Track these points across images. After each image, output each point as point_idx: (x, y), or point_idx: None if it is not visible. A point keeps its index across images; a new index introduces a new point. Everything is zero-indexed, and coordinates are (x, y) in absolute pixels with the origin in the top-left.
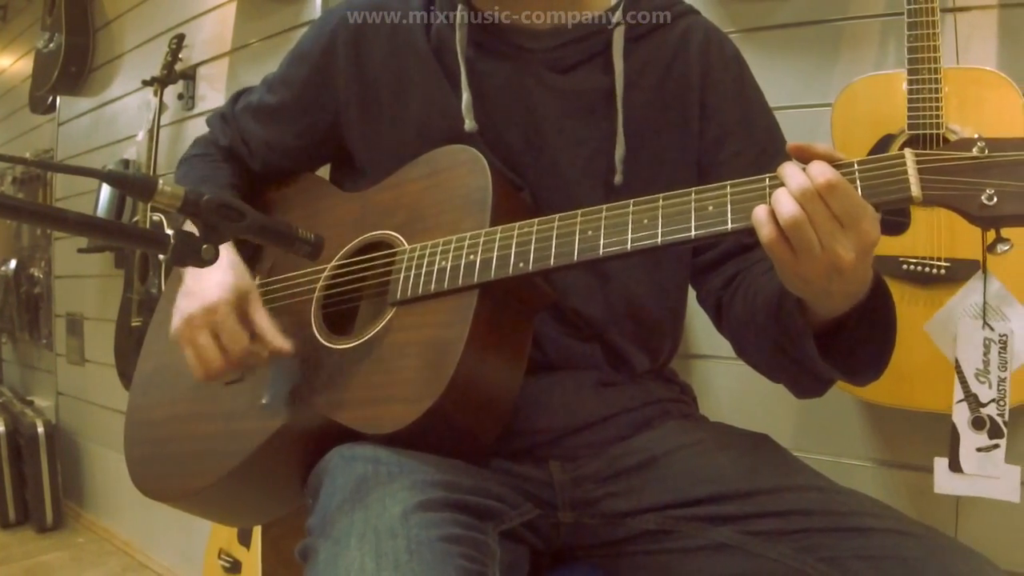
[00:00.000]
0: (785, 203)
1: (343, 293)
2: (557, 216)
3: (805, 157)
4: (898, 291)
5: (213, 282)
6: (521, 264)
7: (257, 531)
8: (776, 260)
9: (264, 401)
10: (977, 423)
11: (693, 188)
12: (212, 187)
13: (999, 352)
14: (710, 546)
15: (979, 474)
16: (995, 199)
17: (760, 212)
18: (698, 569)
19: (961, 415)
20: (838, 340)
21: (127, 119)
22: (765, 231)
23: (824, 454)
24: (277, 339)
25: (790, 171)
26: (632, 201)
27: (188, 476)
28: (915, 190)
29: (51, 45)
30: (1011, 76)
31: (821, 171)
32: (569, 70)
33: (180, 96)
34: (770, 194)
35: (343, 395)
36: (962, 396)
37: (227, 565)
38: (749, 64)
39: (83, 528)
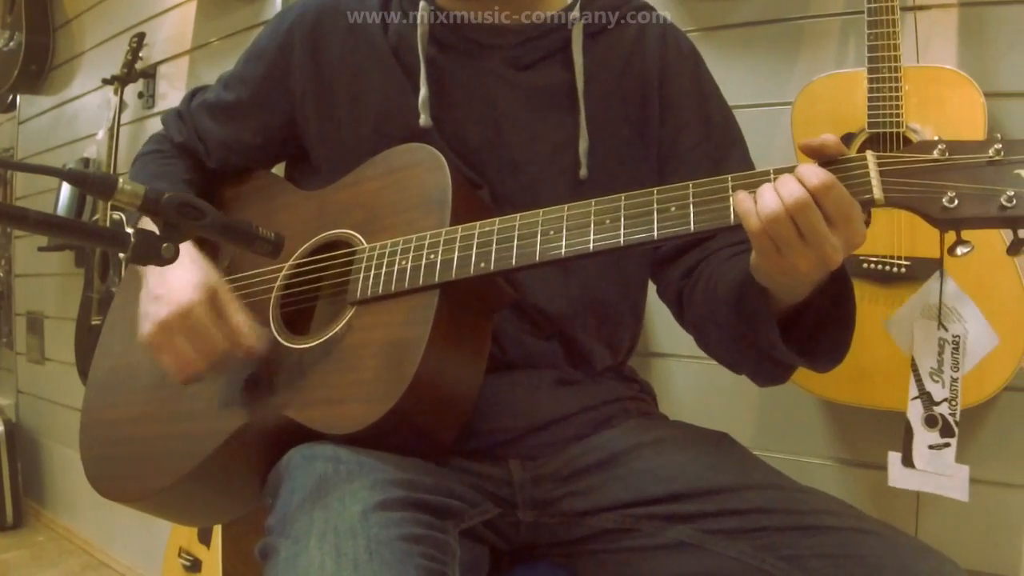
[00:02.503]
0: (770, 201)
1: (301, 292)
2: (518, 215)
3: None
4: (859, 289)
5: (181, 282)
6: (483, 264)
7: (217, 530)
8: (761, 251)
9: (223, 402)
10: (930, 421)
11: (655, 188)
12: (165, 184)
13: (952, 353)
14: (670, 544)
15: (930, 471)
16: (956, 201)
17: (746, 203)
18: (658, 567)
19: (915, 412)
20: (800, 325)
21: (87, 118)
22: (752, 221)
23: (784, 452)
24: (251, 339)
25: (784, 180)
26: (594, 200)
27: (146, 477)
28: (877, 192)
29: (11, 44)
30: (971, 75)
31: (815, 172)
32: (529, 67)
33: (140, 95)
34: (733, 193)
35: (303, 395)
36: (917, 393)
37: (187, 564)
38: (709, 63)
39: (43, 527)
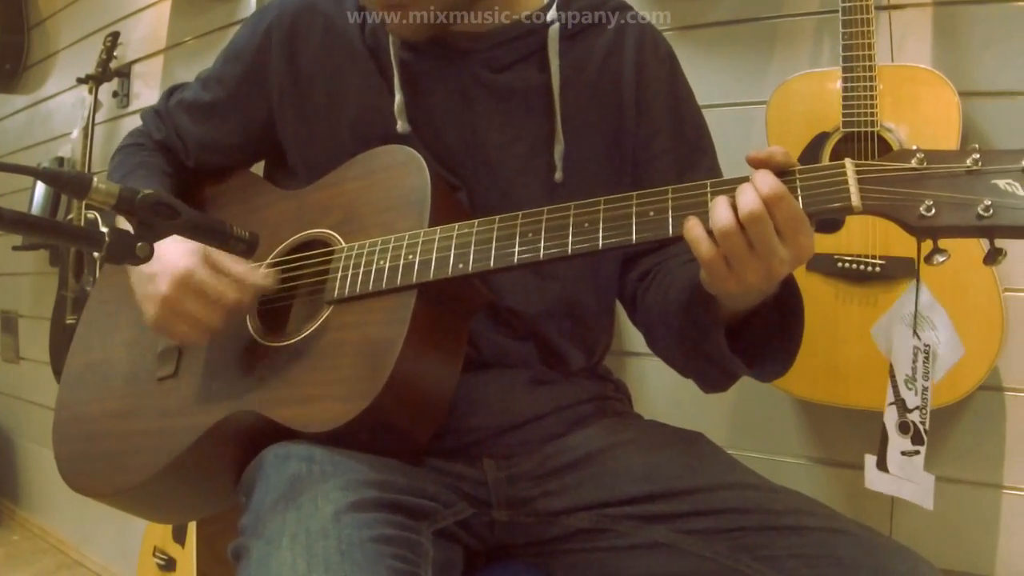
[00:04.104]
0: (725, 215)
1: (278, 291)
2: (497, 218)
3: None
4: (832, 288)
5: (171, 254)
6: (460, 266)
7: (192, 529)
8: (712, 274)
9: (198, 398)
10: (903, 427)
11: (635, 192)
12: (147, 173)
13: (924, 362)
14: (645, 544)
15: (901, 476)
16: (933, 210)
17: (696, 229)
18: (633, 567)
19: (891, 417)
20: (746, 333)
21: (62, 117)
22: (703, 248)
23: (758, 452)
24: (258, 277)
25: (744, 189)
26: (573, 204)
27: (119, 473)
28: (855, 199)
29: None
30: (946, 74)
31: (767, 182)
32: (505, 69)
33: (115, 94)
34: (711, 200)
35: (279, 393)
36: (893, 399)
37: (162, 563)
38: (683, 62)
39: (17, 526)
